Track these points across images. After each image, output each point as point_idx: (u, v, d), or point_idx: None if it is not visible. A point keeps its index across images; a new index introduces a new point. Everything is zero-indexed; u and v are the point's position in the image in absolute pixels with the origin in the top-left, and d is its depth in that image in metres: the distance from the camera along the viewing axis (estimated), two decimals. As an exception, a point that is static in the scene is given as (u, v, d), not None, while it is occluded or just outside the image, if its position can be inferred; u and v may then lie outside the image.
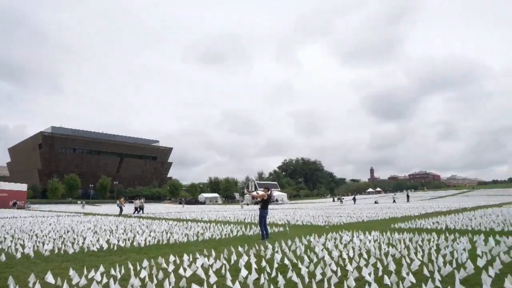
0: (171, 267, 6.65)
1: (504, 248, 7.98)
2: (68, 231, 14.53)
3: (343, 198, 73.30)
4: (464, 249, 7.95)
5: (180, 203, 77.42)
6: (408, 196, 56.52)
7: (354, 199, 57.96)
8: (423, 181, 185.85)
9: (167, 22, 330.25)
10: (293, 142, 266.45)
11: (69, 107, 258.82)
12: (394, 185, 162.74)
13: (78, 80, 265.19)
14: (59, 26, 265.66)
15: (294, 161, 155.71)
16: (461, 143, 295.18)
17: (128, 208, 41.61)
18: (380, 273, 5.90)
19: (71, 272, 6.16)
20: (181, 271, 6.22)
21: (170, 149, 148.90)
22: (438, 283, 5.11)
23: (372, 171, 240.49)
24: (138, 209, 31.16)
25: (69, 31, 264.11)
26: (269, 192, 11.82)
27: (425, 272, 5.92)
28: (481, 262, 6.32)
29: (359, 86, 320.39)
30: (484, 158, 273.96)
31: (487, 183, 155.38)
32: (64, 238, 12.08)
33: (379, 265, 6.41)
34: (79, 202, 75.49)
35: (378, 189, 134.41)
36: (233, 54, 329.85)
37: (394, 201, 55.02)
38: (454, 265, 6.43)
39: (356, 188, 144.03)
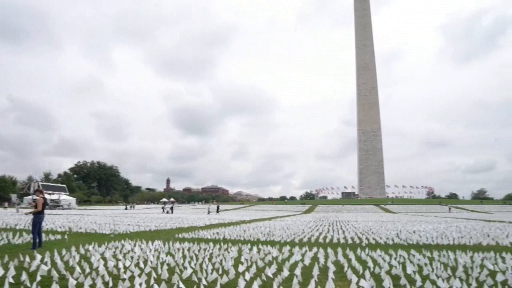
0: None
1: (263, 255, 9.38)
2: None
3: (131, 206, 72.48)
4: (231, 258, 8.94)
5: None
6: (218, 207, 60.70)
7: (171, 209, 58.30)
8: (214, 195, 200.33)
9: None
10: (92, 144, 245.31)
11: None
12: (188, 197, 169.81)
13: None
14: None
15: (89, 164, 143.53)
16: (249, 163, 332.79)
17: None
18: (152, 282, 6.04)
19: None
20: None
21: None
22: (202, 289, 5.59)
23: (168, 181, 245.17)
24: None
25: None
26: (41, 194, 10.61)
27: (194, 278, 6.40)
28: (241, 268, 7.25)
29: (169, 97, 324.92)
30: (265, 178, 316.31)
31: (265, 199, 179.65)
32: None
33: (153, 274, 6.56)
34: None
35: (172, 199, 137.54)
36: (34, 33, 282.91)
37: (208, 212, 57.79)
38: (220, 271, 7.16)
39: (151, 197, 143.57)
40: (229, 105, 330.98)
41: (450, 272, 7.15)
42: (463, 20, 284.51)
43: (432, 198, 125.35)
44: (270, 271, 7.01)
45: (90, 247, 10.11)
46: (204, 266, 7.68)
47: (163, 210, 57.36)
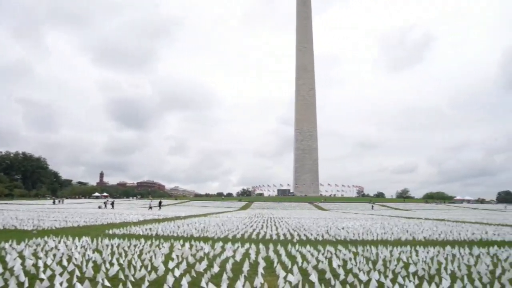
0: None
1: (194, 252, 9.34)
2: None
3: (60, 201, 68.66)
4: (162, 254, 8.80)
5: None
6: (160, 203, 58.83)
7: (112, 204, 55.44)
8: (150, 190, 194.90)
9: None
10: (17, 134, 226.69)
11: None
12: (122, 192, 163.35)
13: None
14: None
15: (12, 155, 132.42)
16: (187, 159, 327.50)
17: None
18: (74, 280, 5.75)
19: None
20: None
21: None
22: (129, 285, 5.44)
23: (102, 175, 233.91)
24: None
25: None
26: None
27: (121, 276, 6.21)
28: (171, 264, 7.17)
29: (106, 88, 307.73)
30: (202, 174, 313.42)
31: (202, 195, 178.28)
32: None
33: (77, 272, 6.26)
34: None
35: (105, 194, 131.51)
36: None
37: (150, 207, 55.74)
38: (149, 268, 7.02)
39: (82, 191, 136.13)
40: (169, 99, 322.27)
41: (371, 265, 7.66)
42: (396, 32, 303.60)
43: (362, 197, 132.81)
44: (200, 267, 7.01)
45: (7, 245, 9.38)
46: (133, 262, 7.49)
47: (105, 206, 54.84)
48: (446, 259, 8.68)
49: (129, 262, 7.60)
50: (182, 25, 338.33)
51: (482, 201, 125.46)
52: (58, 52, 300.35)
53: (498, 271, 7.19)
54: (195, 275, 6.48)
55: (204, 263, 7.39)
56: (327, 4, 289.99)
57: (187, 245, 10.33)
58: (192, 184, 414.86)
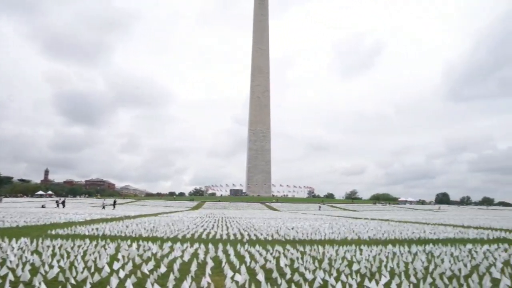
0: None
1: (142, 252, 9.14)
2: None
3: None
4: (108, 255, 8.52)
5: None
6: (115, 202, 56.31)
7: (63, 203, 52.23)
8: (99, 188, 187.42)
9: None
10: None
11: None
12: (69, 190, 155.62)
13: None
14: None
15: None
16: (139, 157, 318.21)
17: None
18: (7, 285, 5.43)
19: None
20: None
21: None
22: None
23: (47, 172, 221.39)
24: None
25: None
26: None
27: (61, 278, 5.95)
28: (116, 265, 6.97)
29: (54, 80, 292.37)
30: (155, 173, 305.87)
31: (153, 194, 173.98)
32: None
33: (10, 275, 5.90)
34: None
35: (50, 192, 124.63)
36: None
37: (103, 207, 53.21)
38: (93, 270, 6.77)
39: (24, 189, 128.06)
40: (122, 95, 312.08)
41: (317, 264, 7.89)
42: (350, 39, 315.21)
43: (313, 197, 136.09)
44: (146, 268, 6.87)
45: None
46: (75, 264, 7.19)
47: (57, 205, 51.96)
48: (387, 257, 9.13)
49: (71, 264, 7.29)
50: (138, 19, 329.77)
51: (422, 202, 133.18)
52: (2, 39, 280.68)
53: (431, 267, 7.68)
54: (141, 276, 6.35)
55: (151, 264, 7.26)
56: (285, 8, 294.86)
57: (134, 245, 10.08)
58: (144, 183, 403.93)
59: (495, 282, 6.26)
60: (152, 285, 5.46)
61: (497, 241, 13.35)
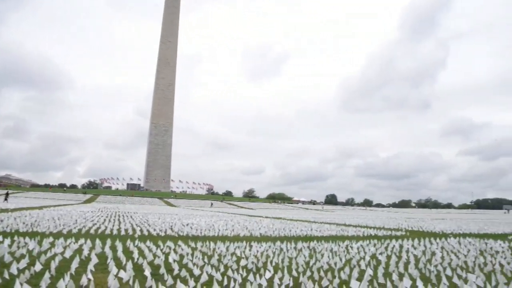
0: None
1: (15, 249, 8.27)
2: None
3: None
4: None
5: None
6: (7, 194, 47.46)
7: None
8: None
9: None
10: None
11: None
12: None
13: None
14: None
15: None
16: (26, 143, 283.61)
17: None
18: None
19: None
20: None
21: None
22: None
23: None
24: None
25: None
26: None
27: None
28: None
29: None
30: (44, 162, 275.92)
31: (40, 185, 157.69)
32: None
33: None
34: None
35: None
36: None
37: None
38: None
39: None
40: (8, 73, 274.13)
41: (206, 260, 8.01)
42: (260, 44, 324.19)
43: (212, 195, 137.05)
44: (18, 266, 6.23)
45: None
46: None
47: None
48: (274, 253, 9.66)
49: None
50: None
51: (314, 203, 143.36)
52: None
53: (312, 262, 8.35)
54: (7, 276, 5.74)
55: (25, 261, 6.60)
56: (200, 5, 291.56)
57: (6, 241, 9.04)
58: (30, 173, 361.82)
59: (362, 273, 7.06)
60: (21, 285, 4.97)
61: (369, 238, 15.03)
